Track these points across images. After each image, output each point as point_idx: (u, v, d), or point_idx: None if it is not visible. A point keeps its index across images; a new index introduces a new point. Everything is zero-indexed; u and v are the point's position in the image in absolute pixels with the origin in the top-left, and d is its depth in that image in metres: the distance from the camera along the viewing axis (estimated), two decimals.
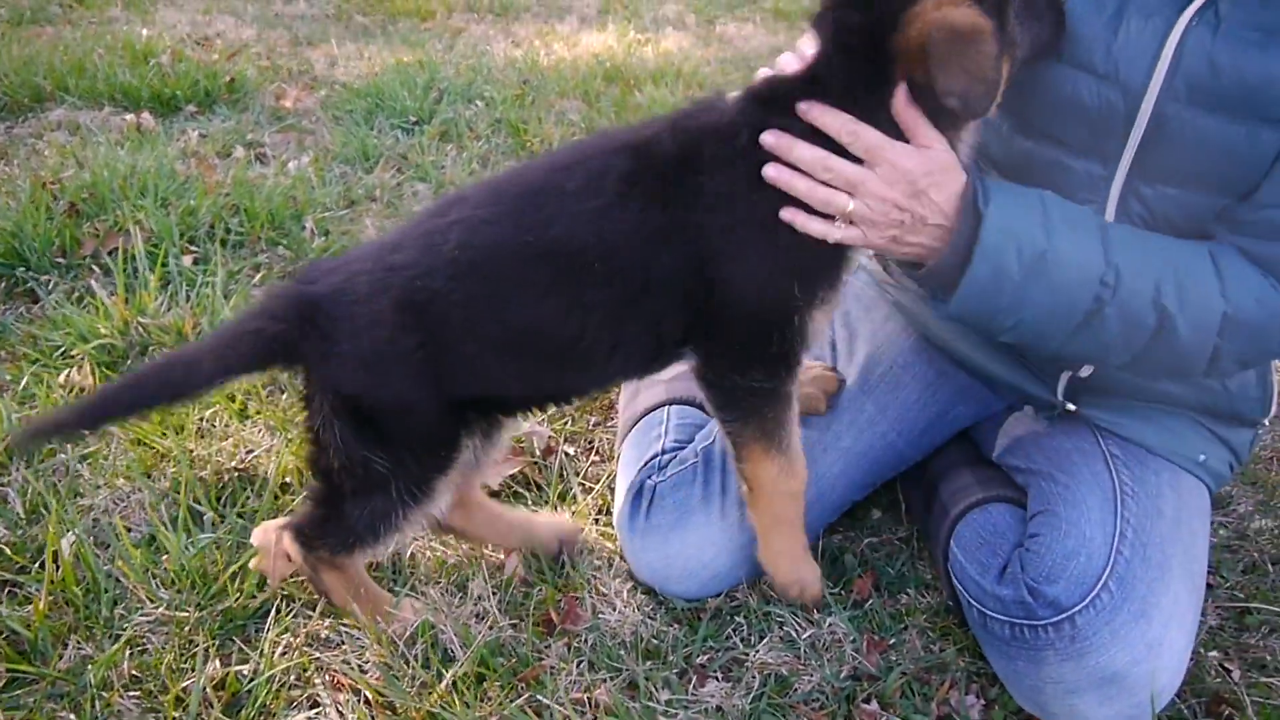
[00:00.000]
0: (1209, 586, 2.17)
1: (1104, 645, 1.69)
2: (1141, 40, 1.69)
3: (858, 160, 1.62)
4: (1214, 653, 2.02)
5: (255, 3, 7.22)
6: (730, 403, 1.80)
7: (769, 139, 1.61)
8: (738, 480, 1.95)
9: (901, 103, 1.61)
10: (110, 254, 3.28)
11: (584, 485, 2.44)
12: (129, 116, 4.67)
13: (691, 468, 2.12)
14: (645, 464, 2.17)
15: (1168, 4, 1.68)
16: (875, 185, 1.60)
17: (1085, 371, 1.95)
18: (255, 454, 2.45)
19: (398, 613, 1.96)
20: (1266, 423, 2.13)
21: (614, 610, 2.03)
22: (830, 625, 2.02)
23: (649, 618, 2.04)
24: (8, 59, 5.18)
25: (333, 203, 3.96)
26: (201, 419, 2.57)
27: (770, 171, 1.62)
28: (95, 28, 6.18)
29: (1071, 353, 1.80)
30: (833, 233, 1.64)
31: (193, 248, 3.47)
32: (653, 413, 2.31)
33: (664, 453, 2.17)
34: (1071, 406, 2.03)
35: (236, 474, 2.39)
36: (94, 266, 3.31)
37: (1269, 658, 2.01)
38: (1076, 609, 1.71)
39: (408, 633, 1.93)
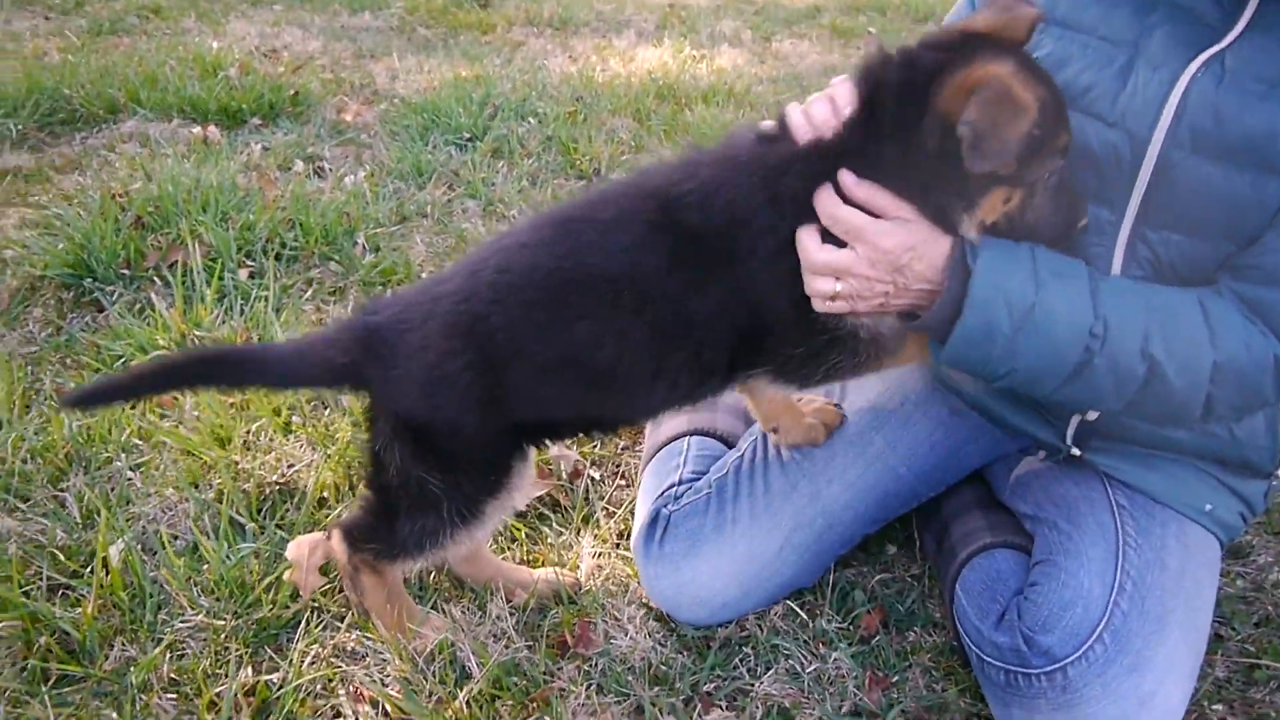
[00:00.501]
0: (1219, 638, 2.18)
1: (1095, 697, 1.72)
2: (1149, 90, 1.73)
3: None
4: (1218, 706, 2.03)
5: (322, 14, 7.46)
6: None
7: None
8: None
9: (850, 182, 1.67)
10: (170, 267, 3.44)
11: (607, 510, 2.52)
12: (196, 130, 4.87)
13: (705, 498, 2.19)
14: (663, 493, 2.25)
15: (1175, 56, 1.72)
16: (858, 268, 1.68)
17: (1093, 415, 1.98)
18: (296, 468, 2.58)
19: (421, 629, 2.06)
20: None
21: (626, 636, 2.11)
22: (835, 660, 2.07)
23: (659, 644, 2.11)
24: (85, 70, 5.43)
25: (385, 219, 4.10)
26: (248, 432, 2.70)
27: None
28: (169, 39, 6.43)
29: (1067, 399, 1.84)
30: (820, 305, 1.74)
31: (249, 262, 3.63)
32: (674, 442, 2.39)
33: (680, 483, 2.25)
34: (1076, 451, 2.05)
35: (277, 487, 2.51)
36: (155, 279, 3.48)
37: (1274, 714, 2.01)
38: (1069, 660, 1.75)
39: (428, 649, 2.03)
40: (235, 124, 5.11)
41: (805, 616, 2.19)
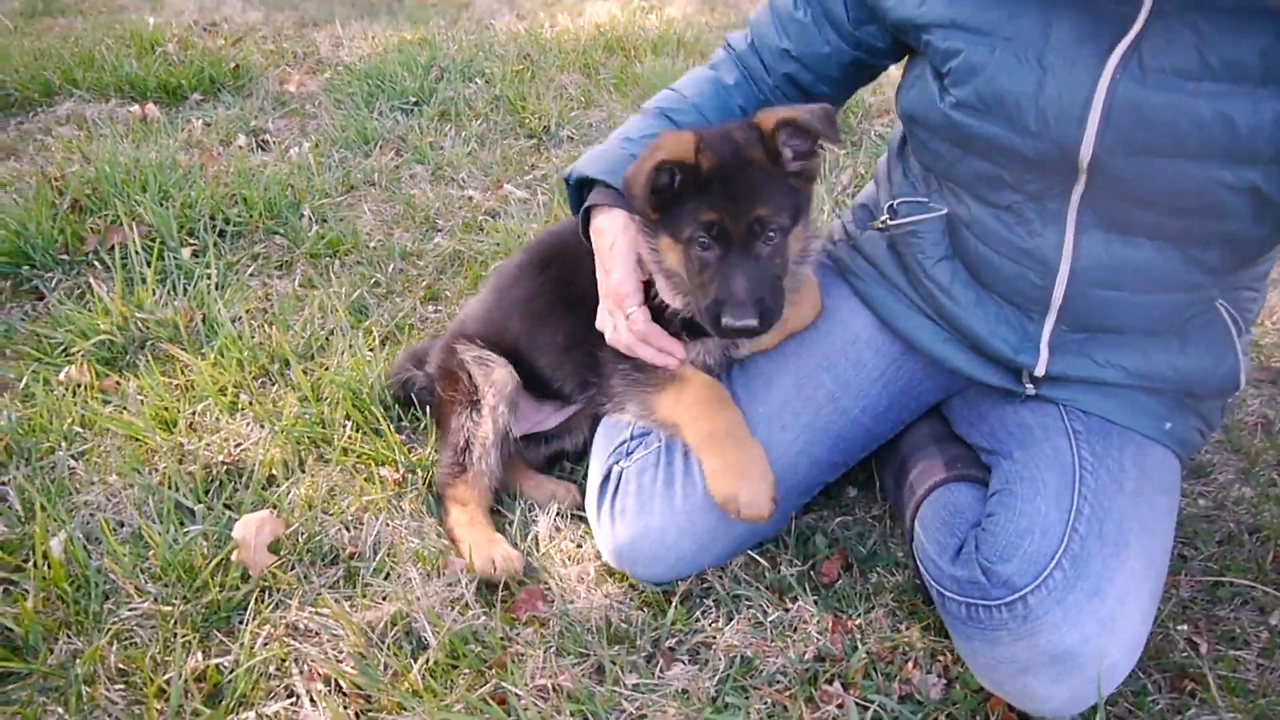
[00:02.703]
0: (1182, 559, 2.17)
1: (1055, 624, 1.70)
2: (1067, 95, 1.70)
3: None
4: (1183, 626, 2.02)
5: None
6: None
7: None
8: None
9: None
10: (110, 251, 3.34)
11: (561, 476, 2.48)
12: (135, 108, 4.74)
13: (655, 452, 2.14)
14: (614, 449, 2.20)
15: (1087, 52, 1.69)
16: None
17: (1041, 370, 1.96)
18: (244, 447, 2.52)
19: (495, 553, 2.12)
20: (1240, 392, 2.10)
21: (581, 598, 2.07)
22: (799, 607, 2.05)
23: (618, 603, 2.07)
24: (18, 54, 5.27)
25: (331, 189, 4.00)
26: (193, 413, 2.64)
27: None
28: (105, 18, 6.26)
29: None
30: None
31: (192, 240, 3.54)
32: None
33: (631, 438, 2.20)
34: (1031, 390, 2.02)
35: (225, 467, 2.45)
36: (95, 263, 3.39)
37: (1239, 630, 2.00)
38: (1029, 589, 1.72)
39: (383, 621, 1.99)
40: (175, 101, 4.98)
41: (766, 565, 2.16)
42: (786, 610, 2.05)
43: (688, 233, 1.90)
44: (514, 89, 4.96)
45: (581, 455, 2.50)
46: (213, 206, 3.69)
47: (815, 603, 2.05)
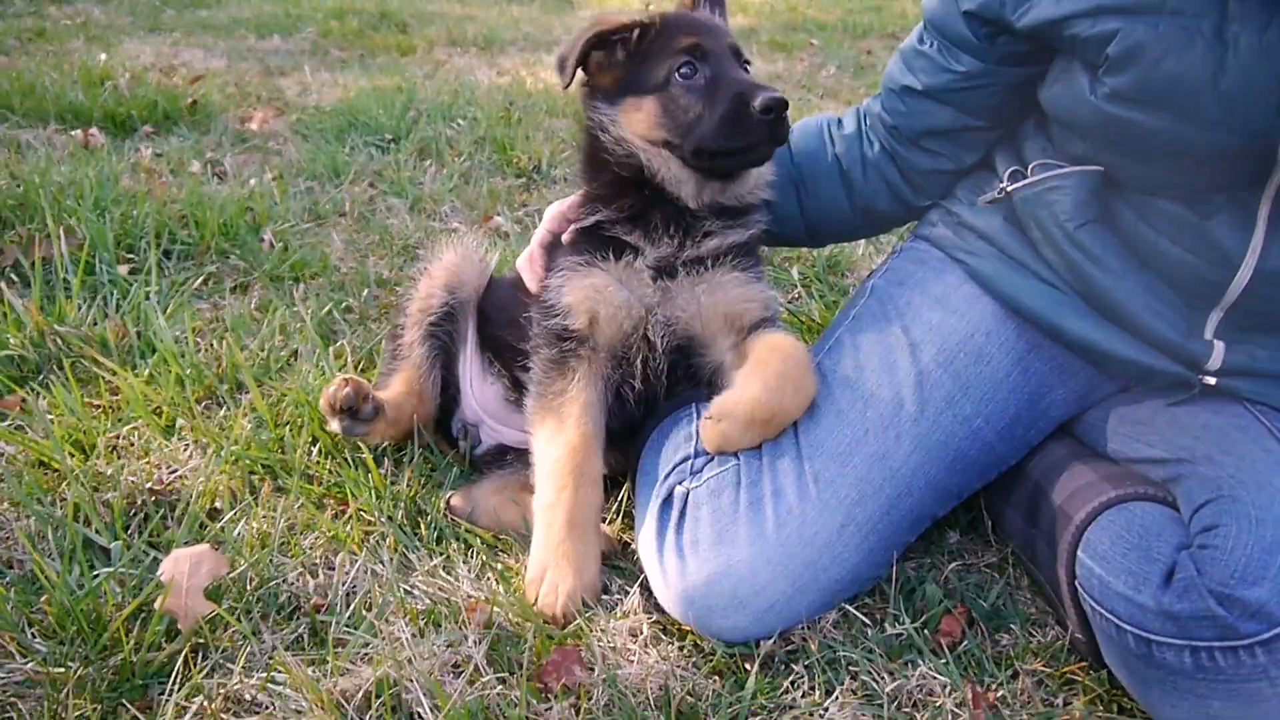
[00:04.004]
0: None
1: None
2: (1261, 71, 1.34)
3: None
4: None
5: (227, 39, 6.91)
6: None
7: None
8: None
9: None
10: (33, 265, 2.81)
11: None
12: (76, 133, 4.25)
13: (733, 469, 1.65)
14: (675, 467, 1.70)
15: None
16: None
17: (1217, 363, 1.57)
18: (179, 473, 1.98)
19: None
20: None
21: (634, 660, 1.54)
22: (921, 674, 1.54)
23: (681, 668, 1.55)
24: None
25: (296, 216, 3.52)
26: (117, 436, 2.09)
27: None
28: (53, 58, 5.80)
29: None
30: None
31: (131, 256, 3.03)
32: (680, 409, 1.85)
33: (696, 454, 1.71)
34: (1210, 381, 1.59)
35: (153, 497, 1.90)
36: (14, 276, 2.85)
37: None
38: None
39: (360, 690, 1.44)
40: (124, 132, 4.51)
41: (865, 620, 1.66)
42: (906, 678, 1.53)
43: (665, 69, 1.78)
44: (501, 130, 4.57)
45: (615, 482, 2.00)
46: (158, 224, 3.18)
47: (945, 666, 1.54)
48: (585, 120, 1.91)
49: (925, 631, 1.65)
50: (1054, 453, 1.75)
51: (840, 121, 2.03)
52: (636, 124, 1.81)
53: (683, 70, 1.76)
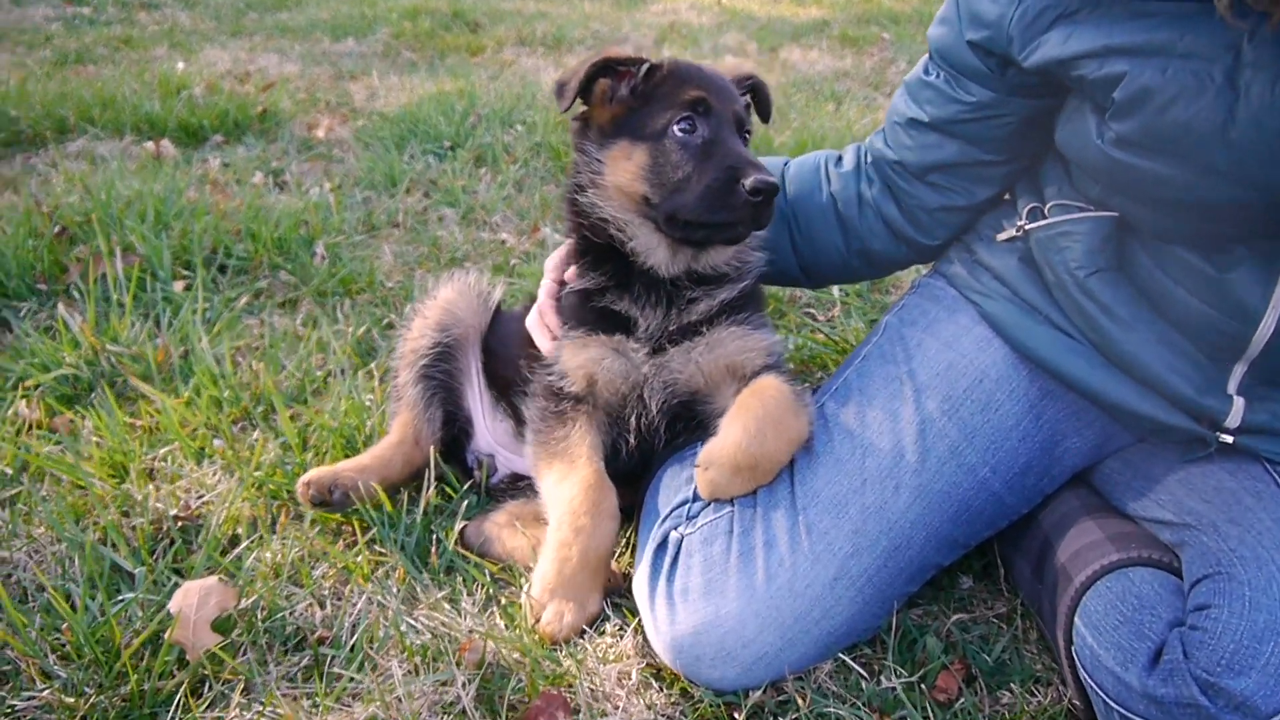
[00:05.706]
0: None
1: None
2: (1268, 119, 1.27)
3: None
4: None
5: (303, 42, 7.08)
6: None
7: None
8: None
9: None
10: (96, 281, 2.94)
11: None
12: (149, 145, 4.42)
13: (727, 517, 1.64)
14: (672, 511, 1.70)
15: None
16: None
17: (1236, 421, 1.49)
18: (205, 499, 2.05)
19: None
20: None
21: (618, 708, 1.55)
22: None
23: (667, 716, 1.55)
24: (39, 95, 5.02)
25: (350, 228, 3.61)
26: (153, 459, 2.18)
27: None
28: (136, 66, 6.04)
29: None
30: None
31: (187, 273, 3.14)
32: (687, 449, 1.85)
33: (695, 499, 1.70)
34: (1228, 439, 1.51)
35: (179, 523, 1.98)
36: (76, 294, 2.99)
37: None
38: None
39: None
40: (195, 141, 4.67)
41: (861, 672, 1.63)
42: None
43: (665, 119, 1.72)
44: (556, 136, 4.59)
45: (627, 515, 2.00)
46: (215, 239, 3.30)
47: None
48: (571, 163, 1.88)
49: (922, 686, 1.62)
50: (1066, 503, 1.70)
51: (840, 159, 1.99)
52: (621, 172, 1.76)
53: (682, 124, 1.71)
